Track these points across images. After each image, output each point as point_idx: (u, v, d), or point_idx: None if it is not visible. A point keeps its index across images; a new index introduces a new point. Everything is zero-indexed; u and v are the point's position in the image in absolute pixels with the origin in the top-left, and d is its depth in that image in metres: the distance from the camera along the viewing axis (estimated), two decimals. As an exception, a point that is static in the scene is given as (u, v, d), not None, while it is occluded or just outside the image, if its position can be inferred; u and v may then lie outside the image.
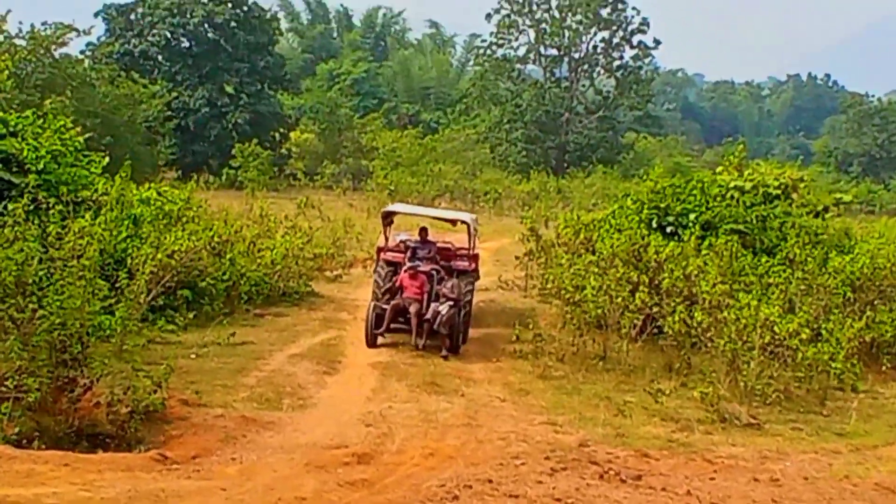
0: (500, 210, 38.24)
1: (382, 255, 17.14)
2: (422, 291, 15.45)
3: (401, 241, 17.29)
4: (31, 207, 14.80)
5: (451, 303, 15.23)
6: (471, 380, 14.50)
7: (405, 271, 15.68)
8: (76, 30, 34.53)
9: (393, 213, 18.50)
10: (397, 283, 15.67)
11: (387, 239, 17.89)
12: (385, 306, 15.25)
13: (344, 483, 9.53)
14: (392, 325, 15.33)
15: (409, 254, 16.44)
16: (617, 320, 16.00)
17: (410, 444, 11.35)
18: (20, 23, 33.24)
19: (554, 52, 51.91)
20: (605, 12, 50.29)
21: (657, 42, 51.84)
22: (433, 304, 15.21)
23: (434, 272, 15.84)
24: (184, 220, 18.97)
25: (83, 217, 15.58)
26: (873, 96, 72.14)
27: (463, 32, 67.57)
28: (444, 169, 41.14)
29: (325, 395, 13.85)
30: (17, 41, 32.29)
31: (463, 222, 18.35)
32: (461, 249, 17.57)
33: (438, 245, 17.29)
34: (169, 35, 43.69)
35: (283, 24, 54.99)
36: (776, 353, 14.59)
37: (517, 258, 21.43)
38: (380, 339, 15.38)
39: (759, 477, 11.07)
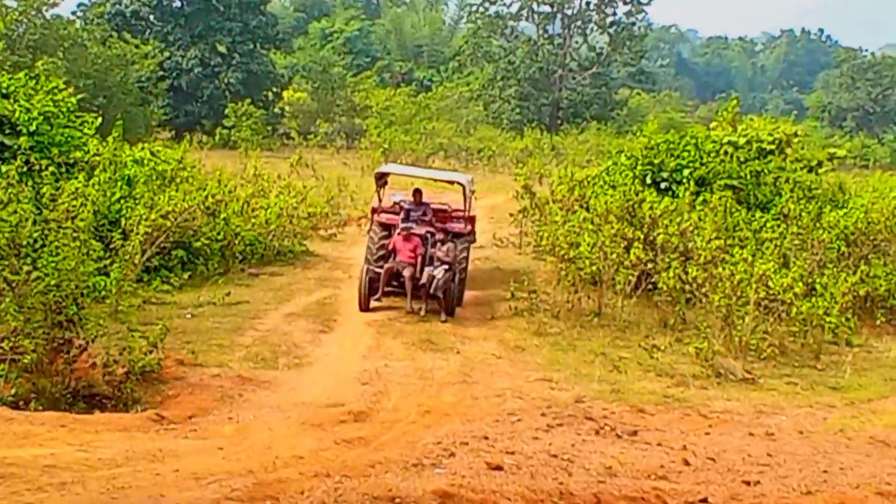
0: (495, 167, 38.15)
1: (376, 217, 16.79)
2: (416, 255, 15.11)
3: (395, 203, 16.85)
4: (25, 169, 14.73)
5: (446, 267, 14.89)
6: (466, 337, 14.45)
7: (399, 234, 15.32)
8: None
9: (386, 174, 18.07)
10: (390, 247, 15.33)
11: (380, 200, 17.42)
12: (378, 270, 14.98)
13: (340, 441, 9.48)
14: (386, 289, 15.10)
15: (402, 215, 16.01)
16: (612, 277, 15.93)
17: (406, 401, 11.32)
18: None
19: (547, 8, 51.35)
20: None
21: None
22: (427, 268, 14.90)
23: (428, 235, 15.47)
24: (177, 180, 18.89)
25: (77, 178, 15.52)
26: (867, 51, 72.23)
27: None
28: (438, 127, 41.13)
29: (320, 354, 13.81)
30: (8, 2, 32.61)
31: (458, 183, 17.83)
32: (457, 211, 17.09)
33: (433, 206, 16.77)
34: None
35: None
36: (770, 308, 14.62)
37: (511, 215, 21.35)
38: (373, 303, 15.15)
39: (755, 431, 11.08)
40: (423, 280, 14.60)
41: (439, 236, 15.49)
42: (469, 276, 16.51)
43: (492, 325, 15.31)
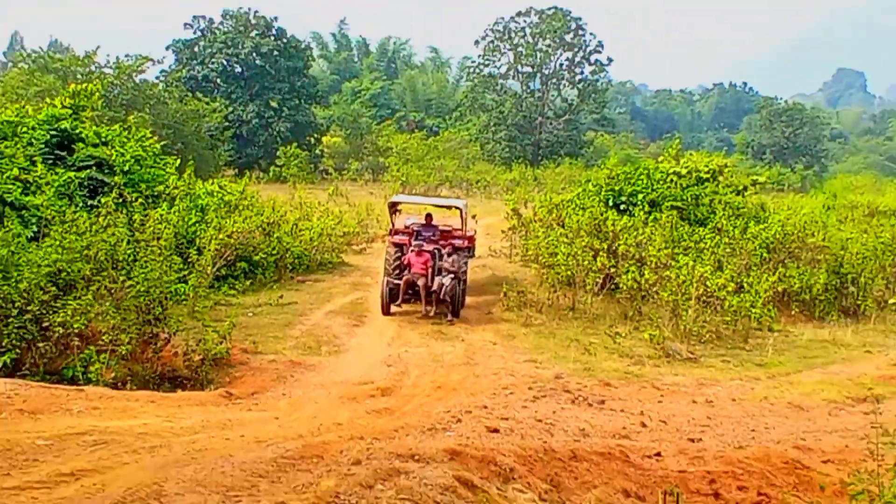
0: (489, 195, 37.78)
1: (390, 239, 16.45)
2: (426, 267, 14.86)
3: (407, 226, 16.43)
4: (119, 200, 15.00)
5: (452, 275, 14.77)
6: (469, 329, 14.52)
7: (412, 250, 14.97)
8: (152, 60, 35.19)
9: (397, 203, 17.71)
10: (405, 262, 15.01)
11: (393, 224, 17.10)
12: (397, 281, 14.71)
13: (371, 411, 9.62)
14: (404, 297, 14.89)
15: (414, 236, 15.73)
16: (583, 279, 16.05)
17: (422, 379, 11.40)
18: (108, 55, 34.23)
19: (529, 69, 50.82)
20: (568, 37, 49.53)
21: (610, 60, 51.02)
22: (437, 278, 14.70)
23: (436, 251, 15.20)
24: (240, 207, 19.04)
25: (160, 207, 15.76)
26: (781, 99, 72.60)
27: (457, 55, 67.38)
28: (445, 163, 40.78)
29: (354, 343, 13.93)
30: (106, 70, 32.62)
31: (456, 208, 17.48)
32: (458, 230, 16.74)
33: (440, 227, 16.48)
34: (225, 63, 43.60)
35: (315, 52, 54.67)
36: (708, 303, 14.81)
37: (503, 232, 21.26)
38: (393, 308, 14.94)
39: (697, 399, 11.27)
40: (434, 287, 14.46)
41: (446, 251, 15.30)
42: (470, 282, 16.38)
43: (489, 319, 15.37)
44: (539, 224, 19.15)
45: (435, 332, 13.89)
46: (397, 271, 14.82)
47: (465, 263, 15.79)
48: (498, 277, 18.13)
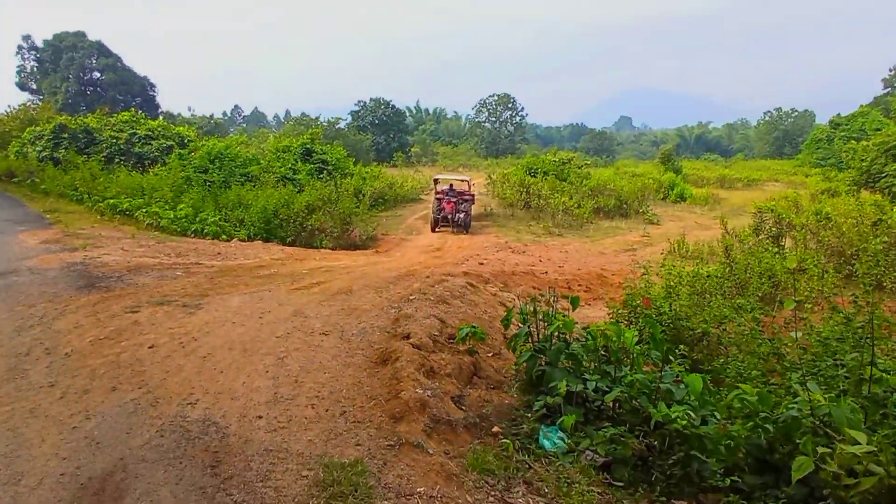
0: (478, 171, 40.42)
1: (434, 195, 18.78)
2: (452, 209, 17.22)
3: (441, 189, 18.75)
4: (328, 177, 19.56)
5: (464, 213, 17.26)
6: (472, 233, 17.22)
7: (445, 201, 17.47)
8: (342, 119, 49.77)
9: (438, 178, 20.60)
10: (441, 206, 17.45)
11: (435, 188, 19.70)
12: (437, 216, 17.26)
13: (433, 257, 12.65)
14: (441, 224, 17.29)
15: (444, 194, 18.09)
16: (516, 203, 20.29)
17: (453, 246, 14.56)
18: (319, 114, 48.76)
19: (493, 118, 67.83)
20: (509, 105, 67.25)
21: (527, 113, 69.29)
22: (458, 214, 17.17)
23: (456, 201, 17.56)
24: (379, 177, 24.09)
25: (347, 179, 19.94)
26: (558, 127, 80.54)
27: (464, 109, 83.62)
28: (461, 158, 52.21)
29: (426, 231, 17.37)
30: (323, 122, 44.16)
31: (465, 180, 20.15)
32: (467, 192, 18.84)
33: (458, 190, 18.70)
34: (371, 119, 56.29)
35: (406, 113, 68.96)
36: (567, 211, 18.65)
37: (485, 185, 24.98)
38: (437, 229, 17.26)
39: (562, 250, 14.02)
40: (455, 218, 17.06)
41: (461, 202, 17.68)
42: (473, 214, 18.57)
43: (480, 229, 17.93)
44: (501, 182, 23.74)
45: (456, 236, 16.69)
46: (438, 211, 17.44)
47: (471, 207, 18.23)
48: (484, 207, 20.89)
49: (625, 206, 21.21)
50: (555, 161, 25.16)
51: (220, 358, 5.19)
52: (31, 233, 11.68)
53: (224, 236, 13.65)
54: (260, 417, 4.15)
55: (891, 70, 58.26)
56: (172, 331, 5.89)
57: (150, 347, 5.44)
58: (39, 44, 59.22)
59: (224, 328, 5.98)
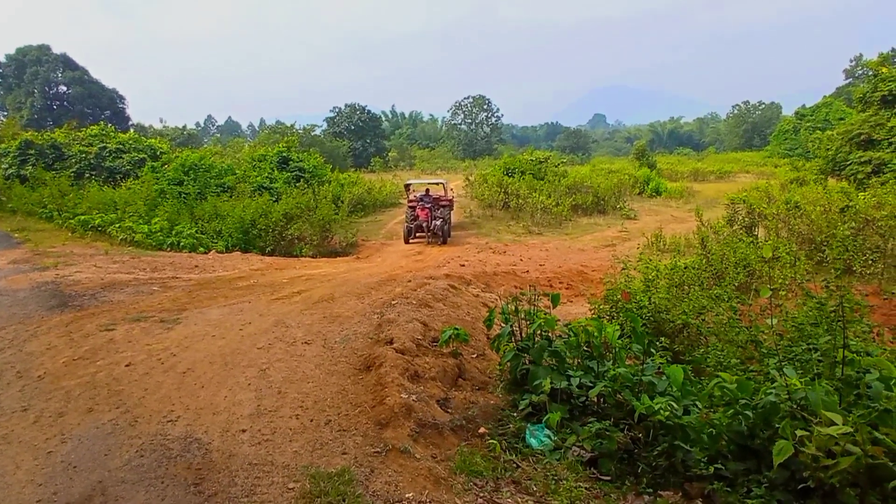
0: (456, 173, 41.05)
1: (407, 202, 17.40)
2: (427, 216, 15.72)
3: (416, 196, 17.12)
4: (306, 184, 19.22)
5: (441, 220, 15.85)
6: (449, 245, 16.52)
7: (418, 208, 15.95)
8: (317, 126, 50.38)
9: (410, 184, 18.90)
10: (415, 213, 15.91)
11: (408, 194, 18.19)
12: (411, 225, 15.77)
13: (414, 261, 12.71)
14: (417, 234, 15.88)
15: (419, 201, 16.56)
16: (494, 203, 20.43)
17: (434, 253, 14.44)
18: (294, 122, 47.37)
19: (469, 120, 69.31)
20: (484, 107, 68.39)
21: (501, 114, 70.23)
22: (433, 222, 15.68)
23: (431, 207, 16.13)
24: (357, 183, 23.93)
25: (325, 186, 19.64)
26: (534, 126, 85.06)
27: (440, 112, 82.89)
28: (438, 161, 52.74)
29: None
30: (298, 130, 43.04)
31: (441, 183, 18.74)
32: (443, 196, 17.61)
33: (434, 195, 17.28)
34: (346, 125, 55.82)
35: (382, 118, 68.64)
36: (545, 210, 18.74)
37: (463, 187, 25.08)
38: (412, 239, 15.85)
39: (542, 249, 14.21)
40: (431, 227, 15.60)
41: (437, 208, 16.37)
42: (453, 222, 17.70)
43: (461, 239, 17.15)
44: (480, 182, 23.89)
45: (432, 244, 15.91)
46: (412, 219, 15.99)
47: (449, 214, 16.93)
48: (465, 212, 20.63)
49: (602, 202, 21.49)
50: (531, 160, 25.49)
51: (200, 372, 5.13)
52: (-1, 253, 11.51)
53: (201, 249, 13.53)
54: (243, 431, 4.11)
55: (851, 61, 60.29)
56: (150, 347, 5.80)
57: (126, 365, 5.34)
58: (1, 58, 57.75)
59: (204, 342, 5.91)
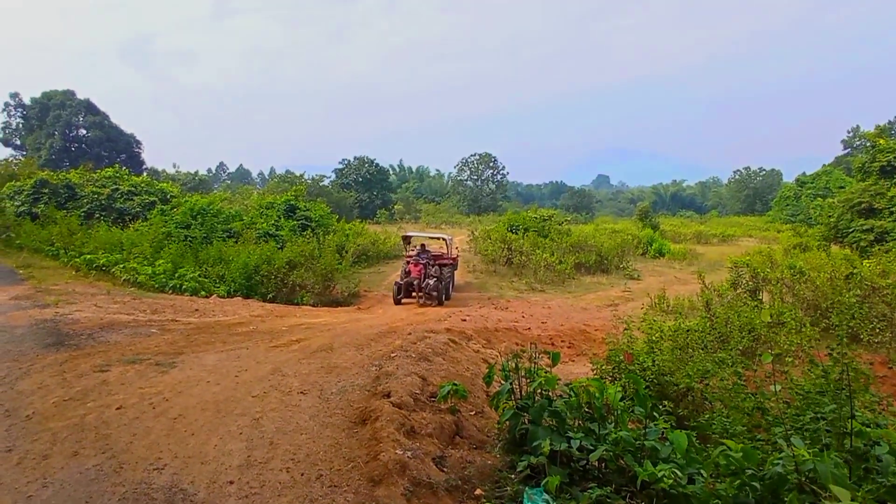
0: (461, 227, 41.65)
1: (405, 258, 16.66)
2: (419, 273, 14.73)
3: (414, 252, 16.35)
4: (311, 233, 19.60)
5: (435, 279, 14.72)
6: (448, 305, 15.62)
7: (411, 264, 15.08)
8: (325, 177, 54.08)
9: (408, 236, 18.15)
10: (407, 270, 15.09)
11: (406, 249, 17.59)
12: (401, 283, 14.72)
13: (415, 313, 12.60)
14: (406, 293, 14.76)
15: (414, 256, 15.77)
16: (498, 259, 20.40)
17: (433, 307, 14.40)
18: (304, 171, 51.07)
19: (475, 177, 70.19)
20: (490, 164, 69.48)
21: (506, 172, 70.98)
22: (425, 280, 14.70)
23: (426, 264, 15.08)
24: (362, 234, 24.27)
25: (330, 235, 19.80)
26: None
27: (447, 168, 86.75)
28: (443, 215, 52.96)
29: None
30: (306, 178, 46.97)
31: (442, 238, 17.86)
32: (445, 253, 16.63)
33: (431, 251, 16.40)
34: (354, 177, 58.95)
35: (391, 171, 73.24)
36: (548, 267, 18.75)
37: (468, 243, 25.15)
38: (402, 299, 14.71)
39: (544, 306, 14.23)
40: (424, 285, 14.62)
41: (432, 265, 15.30)
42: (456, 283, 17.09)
43: (460, 296, 16.46)
44: (483, 238, 24.05)
45: (425, 306, 14.51)
46: (404, 275, 15.11)
47: (451, 273, 15.70)
48: (465, 265, 20.48)
49: (605, 261, 21.44)
50: (536, 218, 25.63)
51: (191, 419, 5.02)
52: (1, 289, 11.38)
53: (203, 292, 13.50)
54: (231, 483, 3.97)
55: (849, 132, 62.03)
56: (143, 391, 5.69)
57: (117, 409, 5.23)
58: (27, 101, 60.07)
59: (198, 387, 5.80)
